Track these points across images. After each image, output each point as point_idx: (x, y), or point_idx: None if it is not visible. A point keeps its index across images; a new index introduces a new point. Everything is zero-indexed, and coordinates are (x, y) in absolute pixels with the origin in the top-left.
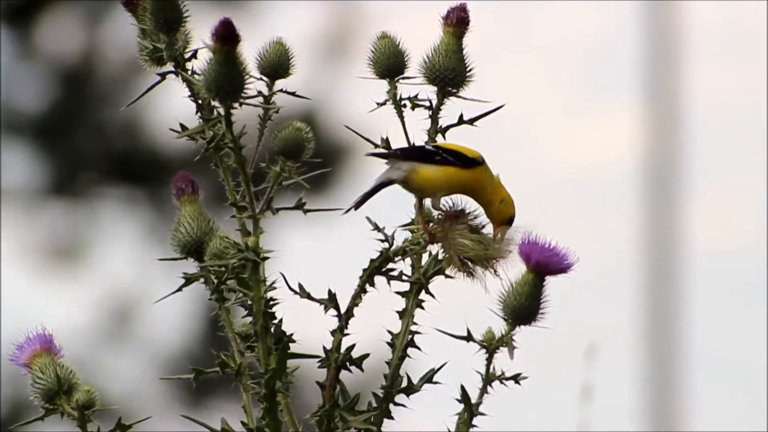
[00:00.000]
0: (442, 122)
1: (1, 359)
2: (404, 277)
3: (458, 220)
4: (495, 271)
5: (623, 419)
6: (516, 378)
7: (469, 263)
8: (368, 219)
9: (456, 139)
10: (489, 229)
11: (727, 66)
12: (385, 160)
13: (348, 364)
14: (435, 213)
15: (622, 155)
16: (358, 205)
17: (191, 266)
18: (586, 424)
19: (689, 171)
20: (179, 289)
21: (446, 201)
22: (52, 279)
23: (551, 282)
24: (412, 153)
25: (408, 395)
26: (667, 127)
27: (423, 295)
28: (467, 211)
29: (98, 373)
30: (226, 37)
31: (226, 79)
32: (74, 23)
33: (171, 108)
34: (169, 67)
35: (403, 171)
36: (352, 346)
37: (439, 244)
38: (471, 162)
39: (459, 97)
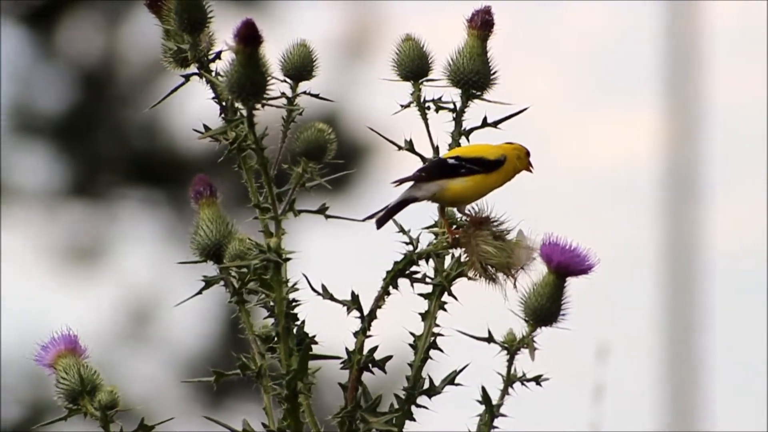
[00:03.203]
0: (466, 124)
1: (0, 359)
2: (428, 280)
3: (482, 226)
4: (516, 279)
5: (642, 420)
6: (537, 379)
7: (491, 270)
8: (394, 221)
9: (476, 138)
10: (513, 235)
11: (747, 65)
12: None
13: (371, 365)
14: (459, 216)
15: (642, 155)
16: (381, 223)
17: (211, 269)
18: (598, 425)
19: (709, 171)
20: (199, 292)
21: (471, 207)
22: (71, 280)
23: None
24: (437, 171)
25: (430, 397)
26: (687, 127)
27: (445, 297)
28: (492, 218)
29: (118, 374)
30: (249, 38)
31: (249, 80)
32: (95, 25)
33: (191, 109)
34: (193, 68)
35: (431, 192)
36: (375, 348)
37: (462, 249)
38: (495, 164)
39: (483, 99)
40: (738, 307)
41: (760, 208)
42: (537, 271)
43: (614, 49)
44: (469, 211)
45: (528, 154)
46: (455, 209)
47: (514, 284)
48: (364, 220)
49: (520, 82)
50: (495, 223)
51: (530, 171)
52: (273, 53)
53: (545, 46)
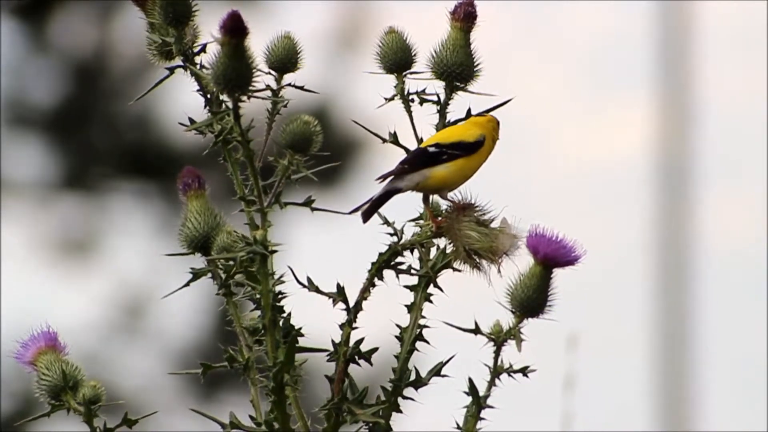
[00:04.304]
0: (450, 116)
1: (0, 354)
2: (413, 271)
3: (465, 212)
4: (500, 265)
5: (635, 416)
6: (524, 371)
7: (475, 256)
8: (379, 213)
9: None
10: (497, 223)
11: (740, 62)
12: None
13: (357, 357)
14: (443, 204)
15: (634, 152)
16: (366, 216)
17: (200, 261)
18: (570, 417)
19: (702, 167)
20: (187, 284)
21: (455, 193)
22: (63, 273)
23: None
24: (419, 161)
25: (416, 388)
26: (680, 124)
27: (431, 289)
28: (475, 204)
29: (110, 367)
30: (235, 29)
31: (234, 72)
32: (87, 18)
33: (183, 102)
34: (178, 61)
35: (414, 182)
36: (361, 340)
37: (446, 236)
38: (475, 146)
39: (467, 91)
40: (731, 303)
41: (754, 205)
42: (522, 259)
43: (609, 47)
44: (452, 197)
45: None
46: (439, 197)
47: (499, 270)
48: (349, 213)
49: (514, 79)
50: (479, 210)
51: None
52: (261, 47)
53: (540, 43)
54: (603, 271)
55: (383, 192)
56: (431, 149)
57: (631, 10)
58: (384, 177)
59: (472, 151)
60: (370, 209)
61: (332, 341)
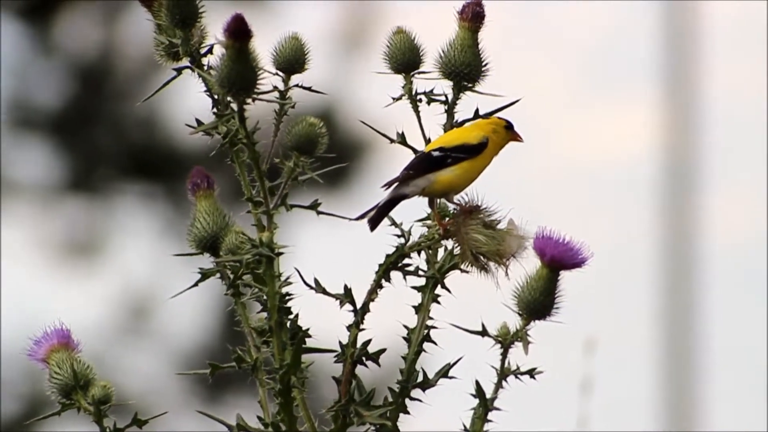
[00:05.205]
0: (458, 116)
1: (0, 353)
2: (420, 273)
3: (472, 215)
4: (507, 267)
5: (640, 415)
6: (531, 373)
7: (482, 258)
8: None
9: None
10: (504, 224)
11: (745, 61)
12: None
13: (364, 358)
14: (450, 207)
15: (639, 149)
16: (373, 224)
17: (208, 261)
18: (586, 419)
19: (707, 164)
20: (195, 285)
21: (461, 195)
22: (69, 274)
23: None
24: (424, 166)
25: (424, 390)
26: (685, 121)
27: (438, 290)
28: (482, 207)
29: (116, 368)
30: (238, 32)
31: (239, 75)
32: (92, 19)
33: (188, 103)
34: (185, 62)
35: (420, 187)
36: (368, 341)
37: (453, 239)
38: (479, 148)
39: (474, 91)
40: (736, 300)
41: (758, 202)
42: (529, 261)
43: (613, 43)
44: (459, 200)
45: (510, 125)
46: (446, 200)
47: (506, 273)
48: (355, 219)
49: (518, 76)
50: (485, 212)
51: (519, 140)
52: (268, 48)
53: (543, 41)
54: (607, 271)
55: (389, 199)
56: (435, 153)
57: (635, 8)
58: (389, 184)
59: (475, 153)
60: (377, 217)
61: (339, 342)
